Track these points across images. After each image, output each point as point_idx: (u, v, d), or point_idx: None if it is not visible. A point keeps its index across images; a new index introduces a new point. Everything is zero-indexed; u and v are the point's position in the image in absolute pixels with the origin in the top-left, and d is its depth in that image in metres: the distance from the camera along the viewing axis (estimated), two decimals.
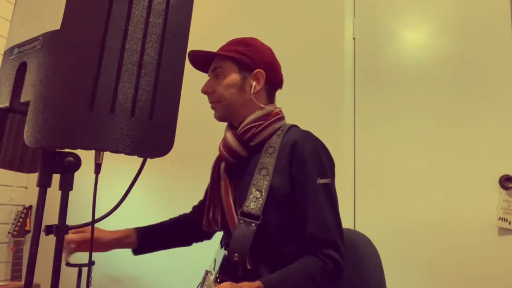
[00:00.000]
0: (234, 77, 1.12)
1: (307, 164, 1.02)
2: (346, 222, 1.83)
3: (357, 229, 1.83)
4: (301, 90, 2.01)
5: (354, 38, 2.01)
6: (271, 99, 1.18)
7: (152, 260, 2.11)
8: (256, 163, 1.07)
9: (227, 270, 1.02)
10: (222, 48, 1.16)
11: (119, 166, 2.06)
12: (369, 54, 1.97)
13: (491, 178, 1.70)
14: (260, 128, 1.09)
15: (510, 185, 1.66)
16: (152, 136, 0.59)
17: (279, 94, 2.02)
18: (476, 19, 1.84)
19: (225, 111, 1.13)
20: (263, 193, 1.01)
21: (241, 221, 0.99)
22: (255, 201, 1.00)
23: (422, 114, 1.85)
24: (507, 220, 1.65)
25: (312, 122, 1.98)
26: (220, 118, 1.15)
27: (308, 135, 1.09)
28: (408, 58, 1.92)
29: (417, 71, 1.89)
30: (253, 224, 0.98)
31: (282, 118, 1.14)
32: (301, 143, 1.04)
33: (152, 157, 0.60)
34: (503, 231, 1.66)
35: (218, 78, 1.13)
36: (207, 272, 1.13)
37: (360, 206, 1.86)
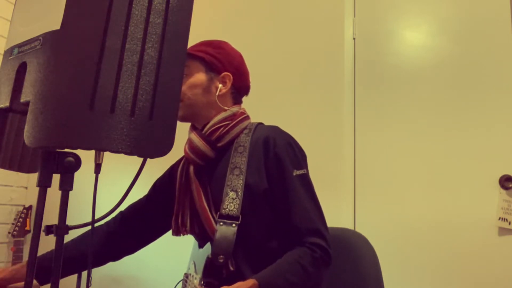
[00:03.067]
0: (200, 77, 1.11)
1: (282, 158, 1.03)
2: (346, 222, 1.83)
3: (357, 229, 1.83)
4: (301, 90, 2.01)
5: (354, 38, 2.01)
6: (236, 103, 1.17)
7: (152, 260, 2.11)
8: (225, 164, 1.07)
9: (211, 273, 1.01)
10: (192, 47, 1.14)
11: (119, 166, 2.06)
12: (369, 54, 1.97)
13: (491, 178, 1.70)
14: (227, 128, 1.08)
15: (510, 185, 1.66)
16: (152, 136, 0.59)
17: (279, 94, 2.02)
18: (476, 19, 1.84)
19: (187, 111, 1.10)
20: (239, 193, 1.01)
21: (221, 223, 0.99)
22: (232, 202, 1.00)
23: (422, 114, 1.85)
24: (507, 220, 1.65)
25: (312, 122, 1.98)
26: (181, 118, 1.12)
27: (277, 129, 1.09)
28: (408, 58, 1.92)
29: (417, 71, 1.89)
30: (233, 224, 0.98)
31: (248, 117, 1.14)
32: (273, 137, 1.05)
33: (152, 157, 0.60)
34: (503, 231, 1.66)
35: (184, 77, 1.10)
36: (187, 275, 1.12)
37: (360, 206, 1.86)
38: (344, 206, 1.85)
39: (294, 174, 1.03)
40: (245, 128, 1.11)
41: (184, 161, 1.12)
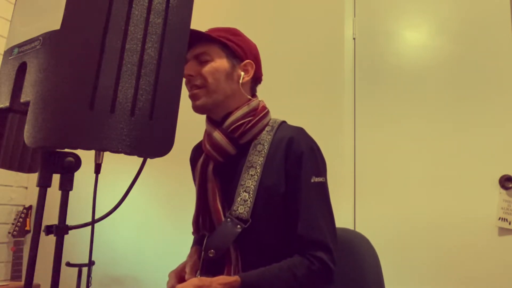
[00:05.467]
0: (222, 62, 1.04)
1: (303, 161, 0.99)
2: (346, 222, 1.83)
3: (357, 229, 1.83)
4: (301, 90, 2.01)
5: (354, 38, 2.01)
6: (254, 93, 1.13)
7: (152, 260, 2.11)
8: (244, 161, 1.02)
9: (208, 269, 0.99)
10: (207, 32, 1.06)
11: (119, 166, 2.06)
12: (369, 54, 1.97)
13: (491, 178, 1.70)
14: (250, 124, 1.03)
15: (510, 185, 1.66)
16: (152, 136, 0.59)
17: (279, 94, 2.02)
18: (476, 19, 1.84)
19: (209, 99, 1.02)
20: (251, 195, 0.97)
21: (229, 219, 0.96)
22: (243, 204, 0.97)
23: (422, 114, 1.85)
24: (507, 220, 1.65)
25: (312, 122, 1.98)
26: (202, 107, 1.03)
27: (303, 132, 1.05)
28: (408, 58, 1.92)
29: (417, 71, 1.89)
30: (238, 226, 0.95)
31: (268, 112, 1.10)
32: (297, 139, 1.01)
33: (152, 157, 0.60)
34: (503, 231, 1.66)
35: (204, 63, 1.03)
36: None
37: (360, 206, 1.86)
38: (344, 206, 1.85)
39: (312, 180, 0.98)
40: (266, 125, 1.07)
41: (204, 157, 1.07)
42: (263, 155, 1.01)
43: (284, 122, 1.12)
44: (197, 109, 1.05)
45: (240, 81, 1.05)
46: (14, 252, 2.16)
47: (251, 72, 1.08)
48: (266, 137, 1.04)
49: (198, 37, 1.04)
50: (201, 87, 1.03)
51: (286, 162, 1.00)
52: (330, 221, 0.99)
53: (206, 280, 0.88)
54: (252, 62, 1.08)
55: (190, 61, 1.05)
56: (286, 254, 0.96)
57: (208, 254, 0.95)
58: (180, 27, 0.63)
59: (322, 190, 1.00)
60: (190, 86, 1.04)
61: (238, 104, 1.05)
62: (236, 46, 1.06)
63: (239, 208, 0.97)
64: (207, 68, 1.03)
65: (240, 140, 1.03)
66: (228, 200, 1.01)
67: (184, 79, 1.04)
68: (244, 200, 0.97)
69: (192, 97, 1.04)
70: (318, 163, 1.02)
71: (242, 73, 1.06)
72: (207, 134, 1.06)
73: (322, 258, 0.92)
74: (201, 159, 1.08)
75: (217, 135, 1.03)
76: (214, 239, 0.97)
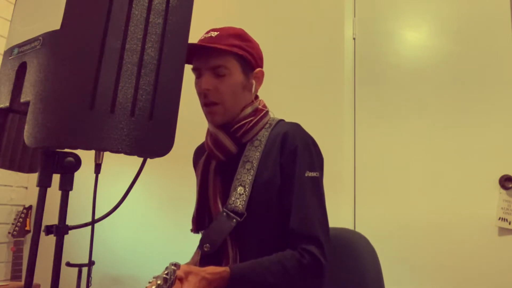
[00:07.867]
0: (239, 76, 1.04)
1: (297, 155, 1.00)
2: (346, 222, 1.83)
3: (357, 229, 1.83)
4: (301, 90, 2.01)
5: (354, 38, 2.01)
6: (256, 94, 1.14)
7: (152, 260, 2.11)
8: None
9: (206, 264, 0.98)
10: (218, 40, 1.02)
11: (119, 166, 2.06)
12: (369, 54, 1.97)
13: (491, 178, 1.70)
14: (251, 124, 1.05)
15: (510, 185, 1.66)
16: (152, 136, 0.59)
17: (280, 93, 2.02)
18: (476, 19, 1.84)
19: (226, 115, 1.04)
20: (247, 188, 0.98)
21: (224, 213, 0.97)
22: (238, 198, 0.98)
23: (422, 114, 1.85)
24: (507, 220, 1.65)
25: (312, 122, 1.98)
26: (221, 123, 1.04)
27: (298, 127, 1.06)
28: (408, 58, 1.92)
29: (417, 71, 1.89)
30: (234, 220, 0.96)
31: (268, 111, 1.12)
32: (292, 134, 1.02)
33: (152, 157, 0.60)
34: (503, 231, 1.66)
35: (222, 77, 1.02)
36: None
37: (360, 206, 1.86)
38: (344, 206, 1.85)
39: (306, 175, 0.99)
40: (266, 123, 1.09)
41: (206, 156, 1.09)
42: (259, 150, 1.03)
43: (282, 120, 1.13)
44: (216, 124, 1.06)
45: (253, 91, 1.08)
46: (14, 252, 2.16)
47: (261, 81, 1.10)
48: (264, 134, 1.06)
49: (213, 48, 1.02)
50: (218, 104, 1.03)
51: (281, 156, 1.01)
52: (322, 216, 0.99)
53: (195, 268, 0.87)
54: (261, 69, 1.10)
55: (205, 74, 1.03)
56: (283, 248, 0.96)
57: (203, 249, 0.95)
58: (180, 27, 0.63)
59: (316, 185, 1.00)
60: (205, 102, 1.03)
61: (243, 106, 1.07)
62: (249, 56, 1.06)
63: (235, 202, 0.97)
64: (225, 85, 1.02)
65: (242, 139, 1.05)
66: (227, 196, 1.02)
67: (197, 90, 1.05)
68: (240, 194, 0.98)
69: (209, 114, 1.04)
70: (312, 158, 1.02)
71: (254, 82, 1.08)
72: (211, 134, 1.08)
73: (313, 252, 0.92)
74: (203, 158, 1.09)
75: (222, 135, 1.05)
76: (209, 233, 0.97)
